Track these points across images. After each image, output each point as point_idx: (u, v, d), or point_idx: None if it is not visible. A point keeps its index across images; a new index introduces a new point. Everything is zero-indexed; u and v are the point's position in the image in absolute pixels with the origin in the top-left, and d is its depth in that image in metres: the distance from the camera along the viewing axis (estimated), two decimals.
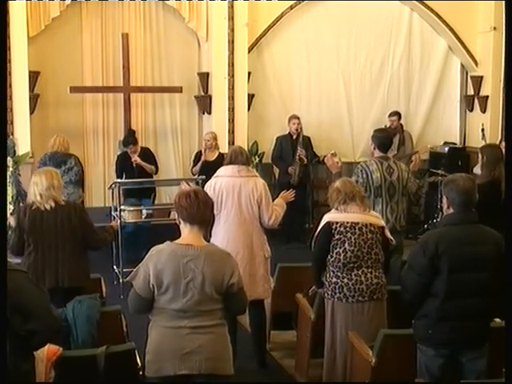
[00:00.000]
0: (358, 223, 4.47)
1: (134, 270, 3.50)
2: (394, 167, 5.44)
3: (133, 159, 8.01)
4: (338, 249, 4.48)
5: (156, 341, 3.47)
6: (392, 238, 4.64)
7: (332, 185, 4.70)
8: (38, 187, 4.73)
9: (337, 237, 4.48)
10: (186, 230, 3.49)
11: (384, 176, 5.37)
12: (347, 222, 4.47)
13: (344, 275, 4.47)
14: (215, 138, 8.63)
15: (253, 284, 5.08)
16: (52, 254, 4.72)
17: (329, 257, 4.53)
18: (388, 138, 5.69)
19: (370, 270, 4.48)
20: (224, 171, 5.23)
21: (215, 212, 5.01)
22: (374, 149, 5.55)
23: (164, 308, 3.43)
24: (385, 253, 4.57)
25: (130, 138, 8.22)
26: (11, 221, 4.92)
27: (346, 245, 4.46)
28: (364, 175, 5.37)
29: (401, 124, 9.76)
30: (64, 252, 4.73)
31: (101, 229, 5.13)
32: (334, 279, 4.50)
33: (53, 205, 4.70)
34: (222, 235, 5.10)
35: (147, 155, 8.20)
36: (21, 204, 4.94)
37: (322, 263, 4.58)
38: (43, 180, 4.73)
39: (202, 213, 3.44)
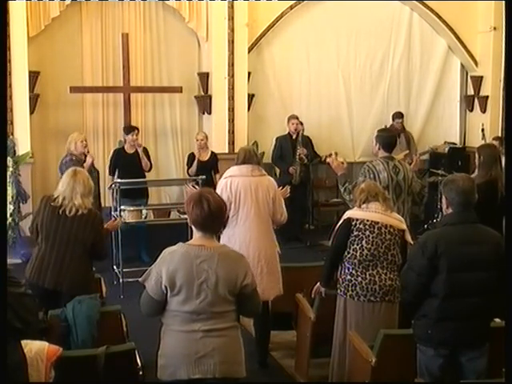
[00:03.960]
0: (377, 222, 4.47)
1: (147, 271, 3.47)
2: (399, 167, 5.41)
3: (136, 143, 8.06)
4: (354, 245, 4.49)
5: (169, 345, 3.44)
6: (412, 242, 4.62)
7: (358, 185, 4.77)
8: (76, 190, 4.61)
9: (355, 233, 4.50)
10: (198, 233, 3.47)
11: (391, 176, 5.34)
12: (367, 220, 4.48)
13: (358, 273, 4.48)
14: (207, 138, 8.72)
15: (275, 282, 5.17)
16: (59, 257, 4.63)
17: (345, 253, 4.54)
18: (392, 137, 5.67)
19: (384, 271, 4.48)
20: (238, 171, 5.21)
21: (232, 212, 5.04)
22: (379, 149, 5.50)
23: (177, 311, 3.40)
24: (403, 256, 4.54)
25: (132, 126, 8.36)
26: None
27: (364, 242, 4.46)
28: (371, 175, 5.33)
29: (402, 124, 9.89)
30: (71, 259, 4.64)
31: None
32: (348, 277, 4.51)
33: (76, 212, 4.61)
34: (244, 235, 5.10)
35: (145, 150, 8.26)
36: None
37: (337, 259, 4.59)
38: (82, 184, 4.62)
39: (213, 221, 3.42)
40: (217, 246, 3.48)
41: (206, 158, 8.56)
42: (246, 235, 5.09)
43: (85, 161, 7.37)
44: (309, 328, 4.82)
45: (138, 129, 8.34)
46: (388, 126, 9.83)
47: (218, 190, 5.12)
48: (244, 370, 3.55)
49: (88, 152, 7.53)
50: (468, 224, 3.76)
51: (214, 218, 3.40)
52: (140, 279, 3.52)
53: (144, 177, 8.15)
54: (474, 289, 3.69)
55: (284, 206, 5.34)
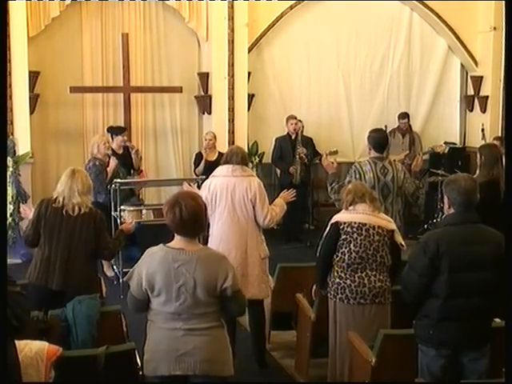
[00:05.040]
0: (365, 224, 4.45)
1: (131, 270, 3.53)
2: (388, 168, 5.37)
3: (130, 145, 8.11)
4: (343, 249, 4.47)
5: (153, 341, 3.50)
6: (403, 243, 4.60)
7: (344, 185, 4.76)
8: (74, 189, 4.60)
9: (343, 237, 4.48)
10: (177, 236, 3.49)
11: (377, 176, 5.31)
12: (354, 223, 4.45)
13: (347, 276, 4.46)
14: (215, 138, 8.73)
15: (246, 284, 5.05)
16: (64, 258, 4.61)
17: (334, 256, 4.52)
18: (383, 138, 5.63)
19: (374, 273, 4.46)
20: (219, 171, 5.24)
21: (210, 212, 5.02)
22: (370, 149, 5.49)
23: (159, 310, 3.45)
24: (393, 257, 4.52)
25: (122, 127, 8.39)
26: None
27: (352, 245, 4.44)
28: (357, 175, 5.32)
29: (409, 124, 9.88)
30: (76, 259, 4.63)
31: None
32: (338, 280, 4.50)
33: (78, 211, 4.60)
34: (216, 235, 5.12)
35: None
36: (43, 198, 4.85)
37: (328, 263, 4.57)
38: (81, 183, 4.61)
39: (187, 227, 3.42)
40: (197, 249, 3.47)
41: (214, 158, 8.54)
42: (217, 236, 5.09)
43: (109, 163, 7.35)
44: (309, 328, 4.82)
45: (126, 129, 8.36)
46: (395, 127, 9.87)
47: (202, 189, 5.17)
48: (231, 369, 3.57)
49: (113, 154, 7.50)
50: (470, 224, 3.76)
51: (186, 224, 3.40)
52: (125, 278, 3.57)
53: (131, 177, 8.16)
54: (476, 289, 3.69)
55: (275, 209, 5.23)
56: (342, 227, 4.49)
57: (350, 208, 4.52)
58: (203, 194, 5.04)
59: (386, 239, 4.49)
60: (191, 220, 3.40)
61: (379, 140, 5.52)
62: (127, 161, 8.01)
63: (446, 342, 3.73)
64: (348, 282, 4.46)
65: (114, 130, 8.25)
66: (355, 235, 4.45)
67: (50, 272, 4.60)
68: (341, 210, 4.67)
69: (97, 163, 7.32)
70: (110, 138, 8.18)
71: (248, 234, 5.14)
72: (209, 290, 3.40)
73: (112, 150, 8.01)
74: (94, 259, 4.81)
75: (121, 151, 8.05)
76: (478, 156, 5.66)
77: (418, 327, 3.85)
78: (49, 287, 4.58)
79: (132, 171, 8.13)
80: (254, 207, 5.12)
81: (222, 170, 5.23)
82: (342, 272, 4.49)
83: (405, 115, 9.90)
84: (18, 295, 3.14)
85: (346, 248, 4.46)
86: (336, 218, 4.58)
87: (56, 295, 4.55)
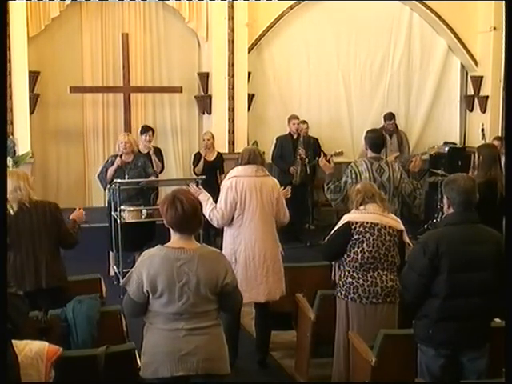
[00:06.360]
0: (377, 224, 4.46)
1: (127, 274, 3.51)
2: (385, 168, 5.39)
3: (147, 144, 8.06)
4: (355, 249, 4.47)
5: (152, 343, 3.48)
6: (410, 243, 4.61)
7: (354, 186, 4.79)
8: (7, 191, 4.56)
9: (355, 237, 4.47)
10: (175, 235, 3.49)
11: (374, 176, 5.32)
12: (367, 223, 4.46)
13: (360, 276, 4.47)
14: (213, 138, 8.75)
15: (279, 282, 5.18)
16: (30, 256, 4.63)
17: (345, 256, 4.52)
18: (379, 138, 5.65)
19: (385, 273, 4.47)
20: (243, 171, 5.20)
21: (237, 213, 5.07)
22: (367, 149, 5.53)
23: (159, 311, 3.44)
24: (401, 257, 4.54)
25: (148, 127, 8.34)
26: None
27: (365, 245, 4.45)
28: (353, 175, 5.34)
29: (395, 124, 9.83)
30: (41, 252, 4.65)
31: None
32: (350, 279, 4.50)
33: (15, 208, 4.59)
34: (249, 235, 5.12)
35: (157, 153, 8.23)
36: None
37: (335, 259, 4.60)
38: (8, 182, 4.55)
39: (188, 222, 3.43)
40: (196, 247, 3.49)
41: (212, 158, 8.63)
42: (251, 236, 5.10)
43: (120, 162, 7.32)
44: (309, 328, 4.82)
45: (152, 130, 8.32)
46: (380, 127, 9.83)
47: (223, 191, 5.14)
48: (228, 367, 3.59)
49: (130, 152, 7.41)
50: (469, 224, 3.76)
51: (188, 218, 3.41)
52: (121, 283, 3.55)
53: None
54: (475, 289, 3.69)
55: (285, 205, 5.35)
56: (353, 227, 4.49)
57: (361, 208, 4.53)
58: (230, 195, 5.07)
59: (395, 239, 4.52)
60: (193, 213, 3.42)
61: (375, 140, 5.55)
62: (150, 161, 7.91)
63: (445, 341, 3.73)
64: (361, 281, 4.46)
65: (141, 130, 8.24)
66: (368, 235, 4.45)
67: (20, 276, 4.59)
68: (337, 210, 4.68)
69: (109, 160, 7.43)
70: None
71: (274, 232, 5.25)
72: (211, 287, 3.42)
73: (138, 150, 7.97)
74: (58, 250, 4.82)
75: (146, 151, 8.03)
76: (476, 156, 5.65)
77: (417, 327, 3.85)
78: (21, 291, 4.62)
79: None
80: (276, 205, 5.20)
81: (245, 170, 5.20)
82: (354, 272, 4.49)
83: (391, 116, 9.71)
84: (14, 297, 3.12)
85: (358, 248, 4.47)
86: (347, 217, 4.58)
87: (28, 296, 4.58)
